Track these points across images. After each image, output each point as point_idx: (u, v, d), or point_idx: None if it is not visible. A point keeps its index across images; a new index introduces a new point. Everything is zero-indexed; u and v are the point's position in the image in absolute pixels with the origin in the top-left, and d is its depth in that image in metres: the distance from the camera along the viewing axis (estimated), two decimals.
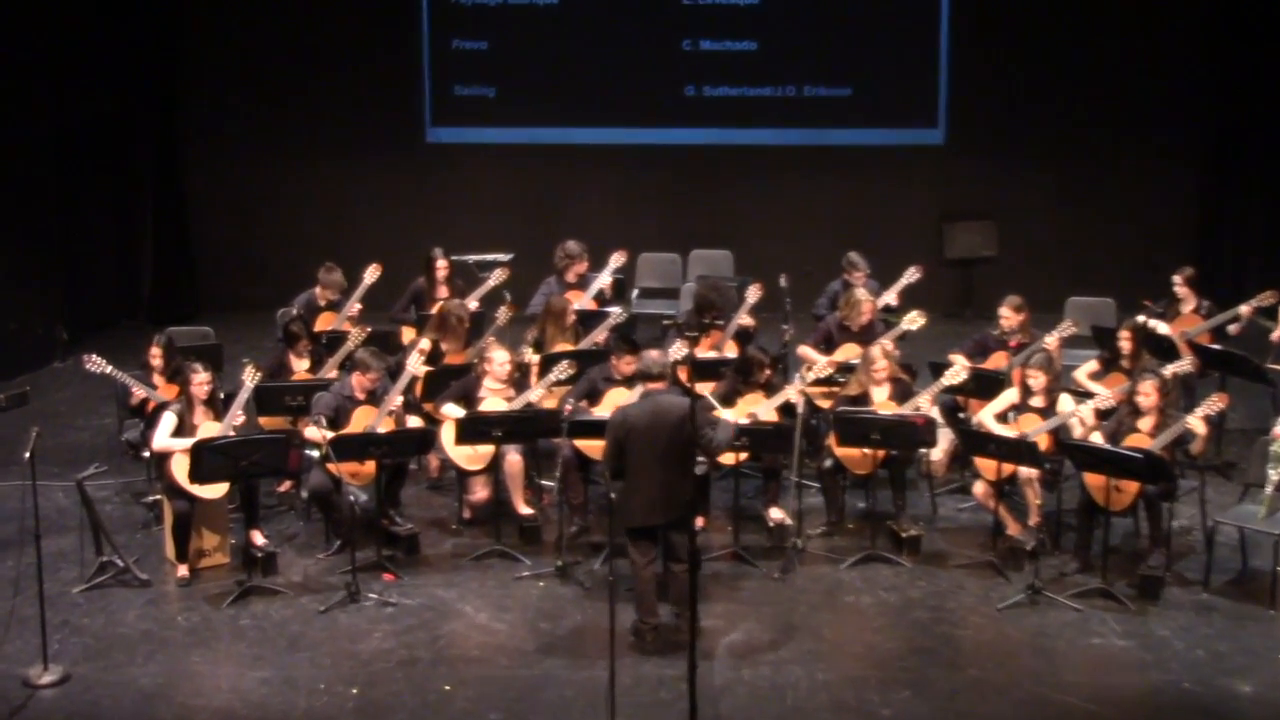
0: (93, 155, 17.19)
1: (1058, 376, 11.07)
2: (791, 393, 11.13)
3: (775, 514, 11.25)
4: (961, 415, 12.08)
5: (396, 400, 11.06)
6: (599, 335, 12.59)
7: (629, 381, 11.19)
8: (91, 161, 17.17)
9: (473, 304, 13.31)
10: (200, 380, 10.64)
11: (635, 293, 16.57)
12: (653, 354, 9.59)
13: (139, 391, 11.64)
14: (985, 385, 11.60)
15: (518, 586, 10.48)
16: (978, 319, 16.54)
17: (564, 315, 12.58)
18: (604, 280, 13.60)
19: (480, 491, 11.44)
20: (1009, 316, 12.14)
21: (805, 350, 12.56)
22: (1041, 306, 13.27)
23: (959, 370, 11.30)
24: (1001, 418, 11.04)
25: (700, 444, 9.32)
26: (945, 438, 12.08)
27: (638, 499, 9.29)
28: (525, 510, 11.40)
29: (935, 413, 11.63)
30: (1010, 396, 11.13)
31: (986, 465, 10.74)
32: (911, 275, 13.21)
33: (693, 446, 9.20)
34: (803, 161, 18.10)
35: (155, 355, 11.87)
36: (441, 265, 13.56)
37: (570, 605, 10.17)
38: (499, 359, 11.34)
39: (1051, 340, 11.79)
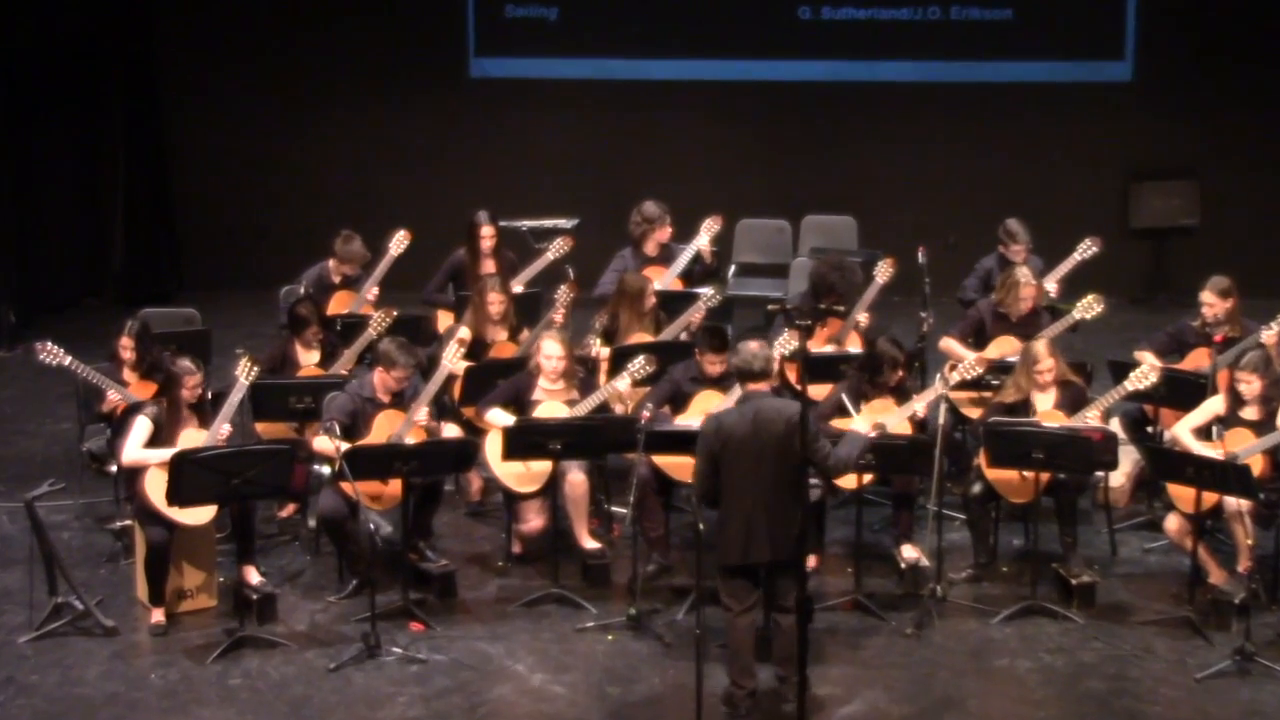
0: (49, 89, 17.40)
1: (1277, 381, 10.98)
2: (931, 398, 11.11)
3: (909, 553, 11.22)
4: (1150, 429, 12.00)
5: (428, 404, 11.14)
6: (686, 323, 12.61)
7: (722, 382, 11.20)
8: (47, 97, 17.38)
9: (520, 283, 13.40)
10: (194, 383, 10.74)
11: (732, 269, 16.56)
12: (752, 345, 9.57)
13: (112, 394, 11.77)
14: (1182, 391, 11.52)
15: (580, 640, 10.51)
16: (1173, 306, 16.41)
17: (641, 297, 12.60)
18: (692, 253, 13.62)
19: (534, 520, 11.48)
20: (1213, 303, 12.05)
21: (949, 344, 12.52)
22: (1255, 291, 13.16)
23: (1147, 371, 11.21)
24: (1203, 433, 10.95)
25: (814, 461, 9.31)
26: (1129, 458, 11.98)
27: (734, 529, 9.29)
28: (590, 544, 11.45)
29: (1116, 426, 11.53)
30: (1214, 406, 11.04)
31: (1183, 494, 10.65)
32: (1087, 250, 13.12)
33: (805, 464, 9.20)
34: (949, 103, 18.05)
35: (126, 345, 12.01)
36: (487, 233, 13.62)
37: (646, 665, 10.18)
38: (552, 352, 11.39)
39: (1269, 334, 11.69)
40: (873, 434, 10.60)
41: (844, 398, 11.13)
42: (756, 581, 9.46)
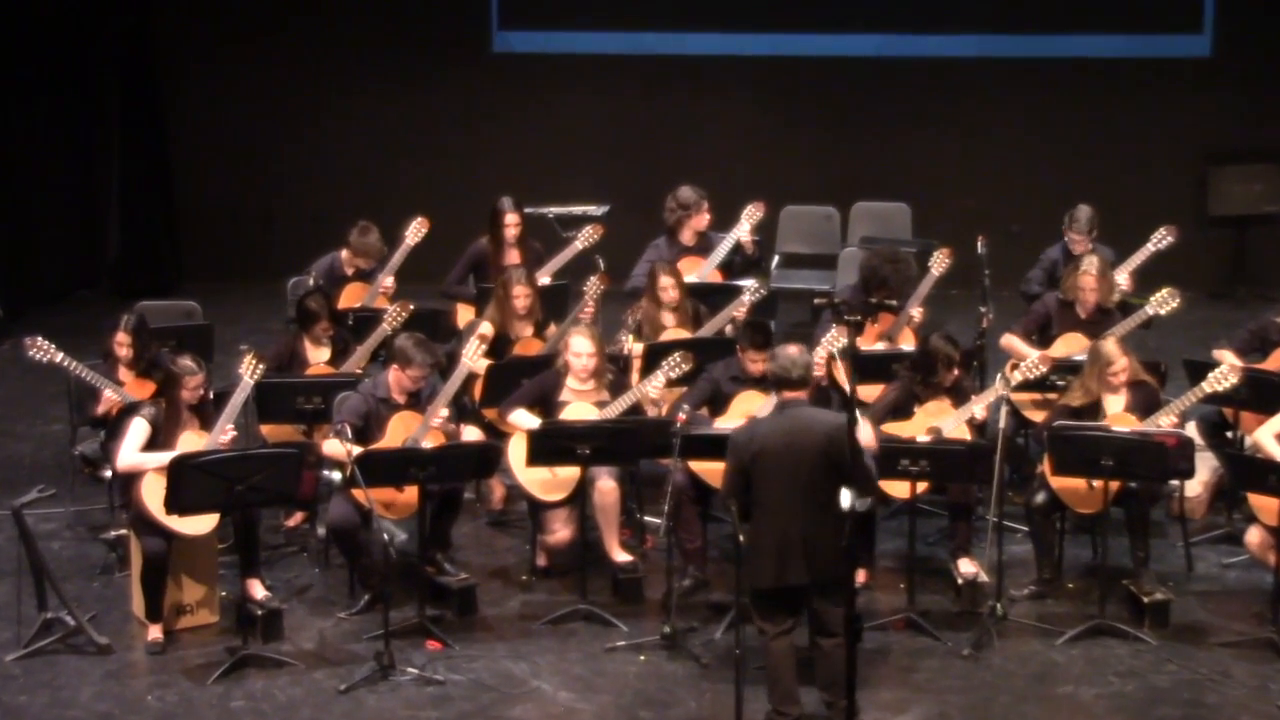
0: (38, 66, 17.44)
1: None
2: (991, 400, 11.07)
3: (966, 567, 11.20)
4: (1230, 435, 11.96)
5: (447, 405, 11.14)
6: (728, 318, 12.59)
7: (765, 382, 11.19)
8: (35, 75, 17.43)
9: (548, 274, 13.42)
10: (195, 384, 10.75)
11: (775, 260, 16.55)
12: (791, 350, 9.54)
13: (109, 394, 11.79)
14: (1265, 393, 11.47)
15: (610, 660, 10.50)
16: (1254, 300, 16.38)
17: (658, 288, 12.63)
18: (732, 243, 13.60)
19: (561, 530, 11.49)
20: None
21: (1011, 341, 12.50)
22: None
23: (1227, 372, 11.17)
24: None
25: (856, 481, 9.21)
26: (1206, 466, 11.94)
27: (766, 550, 9.26)
28: (622, 557, 11.44)
29: (1193, 430, 11.47)
30: None
31: (1266, 505, 10.61)
32: (1161, 239, 13.10)
33: (845, 479, 9.15)
34: (1011, 80, 18.02)
35: (123, 341, 12.01)
36: (512, 221, 13.64)
37: (681, 687, 10.16)
38: (582, 349, 11.39)
39: None
40: (925, 438, 10.56)
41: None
42: (795, 603, 9.43)
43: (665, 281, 12.66)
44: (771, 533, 9.25)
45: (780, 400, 9.48)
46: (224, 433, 10.70)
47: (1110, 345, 11.22)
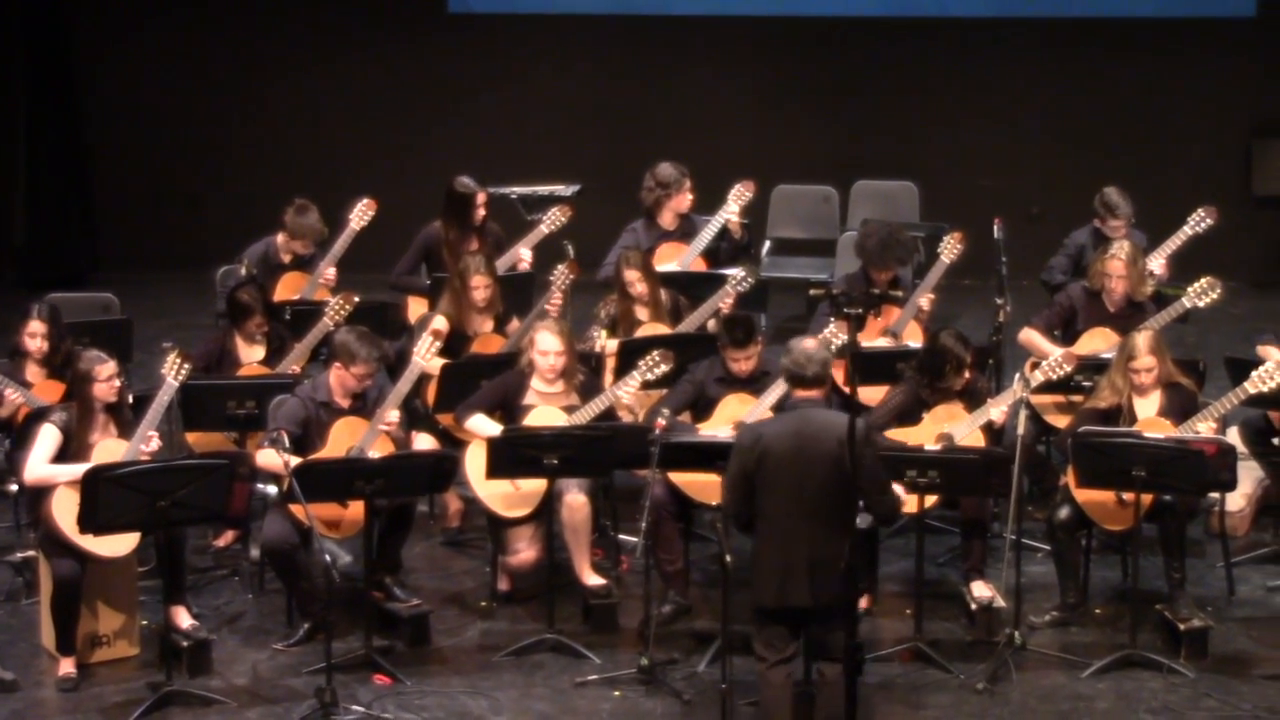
0: None
1: None
2: (1008, 403, 11.11)
3: (981, 591, 11.23)
4: (1276, 441, 12.00)
5: (393, 414, 11.17)
6: (712, 310, 12.62)
7: (755, 383, 11.20)
8: None
9: (526, 258, 13.43)
10: (106, 375, 10.75)
11: (766, 246, 16.58)
12: (807, 344, 9.53)
13: (10, 394, 11.79)
14: None
15: (580, 696, 10.51)
16: None
17: (625, 280, 12.68)
18: (717, 226, 13.63)
19: (525, 551, 11.50)
20: None
21: (1031, 337, 12.54)
22: None
23: (1274, 370, 11.22)
24: None
25: (866, 491, 9.23)
26: (1250, 477, 11.99)
27: (769, 565, 9.29)
28: (594, 580, 11.46)
29: (1235, 437, 11.51)
30: None
31: None
32: (1201, 221, 13.15)
33: (855, 490, 9.19)
34: (1031, 44, 18.07)
35: (37, 331, 12.02)
36: (482, 201, 13.65)
37: None
38: (549, 346, 11.41)
39: None
40: (934, 445, 10.59)
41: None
42: (797, 628, 9.46)
43: (630, 275, 12.64)
44: (775, 548, 9.27)
45: (792, 399, 9.49)
46: (146, 440, 10.70)
47: (1140, 340, 11.19)
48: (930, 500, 10.90)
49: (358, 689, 10.44)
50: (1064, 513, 11.13)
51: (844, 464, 9.09)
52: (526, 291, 13.27)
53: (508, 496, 11.24)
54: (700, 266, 13.40)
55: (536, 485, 11.12)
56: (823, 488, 9.18)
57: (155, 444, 10.75)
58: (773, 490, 9.26)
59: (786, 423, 9.38)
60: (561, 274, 12.72)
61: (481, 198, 13.61)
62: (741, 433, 9.52)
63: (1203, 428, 10.96)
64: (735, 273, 12.86)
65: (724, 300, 12.61)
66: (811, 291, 13.46)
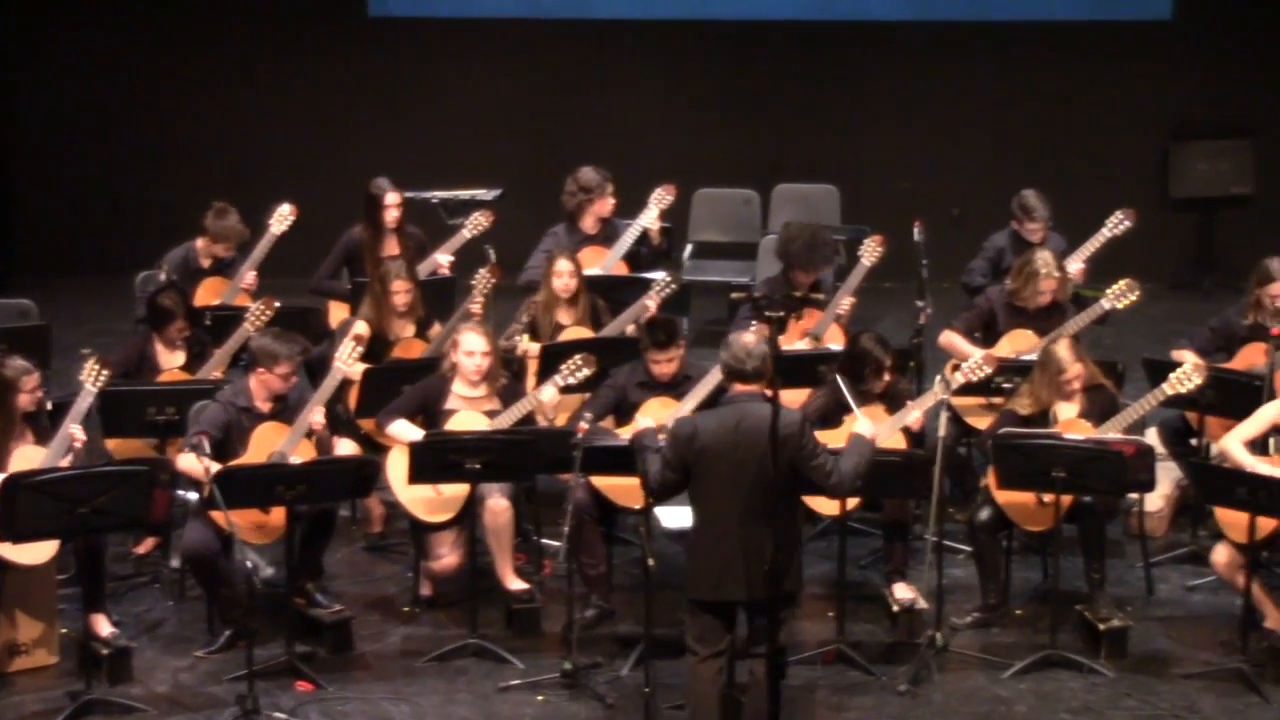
0: None
1: None
2: (929, 405, 11.15)
3: (902, 593, 11.27)
4: (1194, 442, 12.07)
5: (319, 414, 11.16)
6: (636, 315, 12.62)
7: (676, 387, 11.23)
8: None
9: (445, 263, 13.42)
10: (31, 385, 10.69)
11: (688, 250, 16.59)
12: (746, 339, 9.51)
13: None
14: (1232, 396, 11.58)
15: (504, 701, 10.51)
16: (1221, 291, 16.52)
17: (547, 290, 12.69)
18: (638, 231, 13.64)
19: (447, 555, 11.49)
20: (1275, 291, 12.12)
21: (951, 339, 12.59)
22: None
23: (1191, 372, 11.28)
24: (1258, 446, 11.02)
25: (814, 480, 9.27)
26: (1168, 477, 12.05)
27: (704, 557, 9.31)
28: (516, 584, 11.46)
29: (1153, 438, 11.58)
30: (1272, 413, 11.10)
31: (1234, 521, 10.71)
32: (1118, 225, 13.20)
33: (794, 485, 9.21)
34: (951, 47, 18.12)
35: None
36: (392, 202, 13.63)
37: None
38: (475, 346, 11.41)
39: None
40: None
41: (843, 389, 11.07)
42: (730, 623, 9.48)
43: (562, 267, 12.63)
44: (710, 540, 9.30)
45: (730, 394, 9.50)
46: (75, 441, 10.66)
47: (1062, 351, 11.22)
48: (852, 503, 10.93)
49: (280, 696, 10.41)
50: (985, 514, 11.19)
51: (780, 457, 9.12)
52: (448, 296, 13.27)
53: (430, 501, 11.23)
54: (622, 270, 13.41)
55: (459, 490, 11.11)
56: (757, 480, 9.21)
57: (80, 441, 10.70)
58: (708, 483, 9.28)
59: (724, 416, 9.38)
60: (483, 278, 12.70)
61: (393, 198, 13.58)
62: (680, 424, 9.49)
63: (1122, 429, 10.98)
64: (657, 277, 12.88)
65: (649, 304, 12.63)
66: (733, 295, 13.48)
